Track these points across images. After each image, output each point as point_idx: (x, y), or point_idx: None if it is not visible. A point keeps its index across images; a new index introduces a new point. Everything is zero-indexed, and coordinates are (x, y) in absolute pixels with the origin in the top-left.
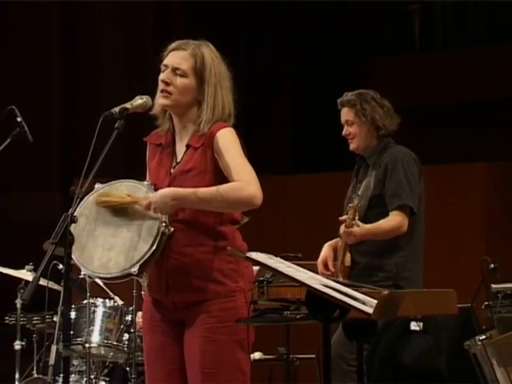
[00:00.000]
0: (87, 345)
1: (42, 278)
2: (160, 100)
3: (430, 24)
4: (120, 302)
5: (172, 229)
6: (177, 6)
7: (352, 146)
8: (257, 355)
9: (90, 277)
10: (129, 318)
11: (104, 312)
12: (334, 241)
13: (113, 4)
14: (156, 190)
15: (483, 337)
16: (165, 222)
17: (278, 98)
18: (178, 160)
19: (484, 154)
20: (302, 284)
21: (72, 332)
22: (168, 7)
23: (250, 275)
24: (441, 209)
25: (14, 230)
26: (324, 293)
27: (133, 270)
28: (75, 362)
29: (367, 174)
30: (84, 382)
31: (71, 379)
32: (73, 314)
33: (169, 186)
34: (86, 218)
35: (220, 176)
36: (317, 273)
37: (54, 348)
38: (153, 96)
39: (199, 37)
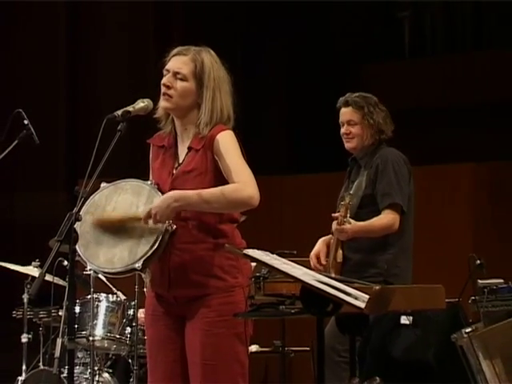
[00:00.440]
0: (91, 338)
1: (47, 274)
2: (161, 103)
3: (419, 31)
4: (122, 297)
5: (174, 226)
6: (177, 12)
7: (349, 145)
8: (253, 348)
9: (95, 272)
10: (131, 312)
11: (107, 306)
12: (327, 237)
13: (116, 11)
14: (159, 189)
15: (469, 329)
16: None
17: (274, 103)
18: (180, 161)
19: (472, 155)
20: (297, 280)
21: (76, 326)
22: (169, 14)
23: (248, 271)
24: (430, 207)
25: (21, 228)
26: (318, 288)
27: (137, 265)
28: (80, 355)
29: (359, 175)
30: (88, 373)
31: (76, 371)
32: (77, 309)
33: (171, 185)
34: (93, 215)
35: (220, 177)
36: (310, 268)
37: (59, 341)
38: (155, 100)
39: (200, 42)
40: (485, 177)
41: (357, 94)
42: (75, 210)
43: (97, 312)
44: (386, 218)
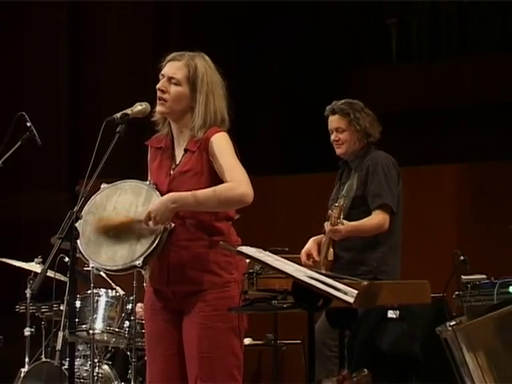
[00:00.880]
0: (91, 331)
1: (49, 270)
2: (157, 107)
3: (406, 37)
4: (121, 292)
5: (173, 225)
6: (175, 15)
7: (340, 151)
8: (247, 341)
9: (97, 269)
10: (129, 306)
11: (107, 301)
12: (318, 236)
13: (115, 13)
14: (157, 189)
15: (453, 323)
16: None
17: (268, 105)
18: (177, 162)
19: (455, 156)
20: (289, 276)
21: (77, 320)
22: (166, 22)
23: (243, 267)
24: (416, 207)
25: (24, 226)
26: (309, 284)
27: (137, 262)
28: (80, 347)
29: (350, 177)
30: (88, 365)
31: (76, 363)
32: (78, 303)
33: (168, 186)
34: (94, 215)
35: (215, 177)
36: (302, 265)
37: (60, 334)
38: (153, 102)
39: (196, 44)
40: (468, 177)
41: (343, 101)
42: (76, 208)
43: (97, 306)
44: (377, 218)
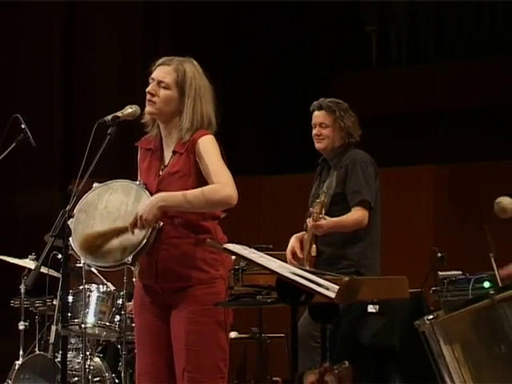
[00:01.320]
0: (83, 325)
1: (43, 267)
2: (146, 108)
3: (385, 43)
4: (112, 288)
5: (161, 223)
6: (163, 24)
7: (320, 146)
8: (233, 334)
9: (89, 265)
10: (120, 301)
11: (98, 296)
12: (300, 233)
13: (107, 24)
14: (146, 188)
15: (431, 317)
16: None
17: (253, 109)
18: (166, 163)
19: (433, 157)
20: (273, 272)
21: (70, 314)
22: (156, 28)
23: (229, 264)
24: (396, 206)
25: (19, 225)
26: (292, 280)
27: (127, 259)
28: (72, 341)
29: (329, 175)
30: (80, 358)
31: (69, 355)
32: (70, 298)
33: (157, 186)
34: (86, 213)
35: (202, 178)
36: (286, 262)
37: (53, 328)
38: (143, 105)
39: (184, 51)
40: (445, 178)
41: (330, 100)
42: (68, 207)
43: (88, 301)
44: (357, 214)
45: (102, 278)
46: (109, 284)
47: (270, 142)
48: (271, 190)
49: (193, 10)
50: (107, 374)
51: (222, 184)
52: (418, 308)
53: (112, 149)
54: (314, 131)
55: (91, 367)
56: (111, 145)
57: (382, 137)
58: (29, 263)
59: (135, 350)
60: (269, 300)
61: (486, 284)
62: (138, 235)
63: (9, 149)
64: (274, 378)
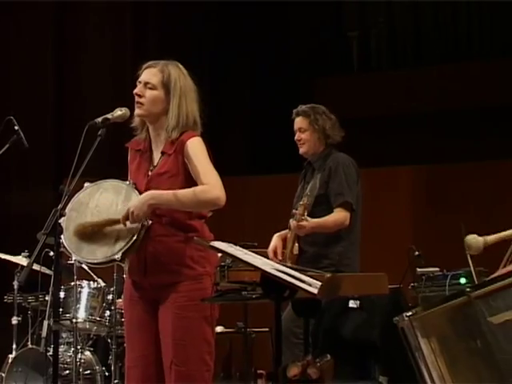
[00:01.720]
0: (74, 320)
1: (35, 264)
2: (135, 111)
3: (366, 49)
4: (102, 284)
5: (150, 221)
6: (152, 29)
7: (302, 150)
8: (219, 329)
9: (79, 262)
10: (110, 297)
11: (89, 292)
12: (282, 232)
13: (97, 29)
14: (136, 188)
15: (409, 313)
16: None
17: (237, 110)
18: (155, 164)
19: (411, 159)
20: (258, 269)
21: (61, 309)
22: (144, 29)
23: (216, 261)
24: (375, 205)
25: (13, 223)
26: (276, 276)
27: (116, 256)
28: (64, 335)
29: (313, 177)
30: (71, 351)
31: (60, 349)
32: (62, 294)
33: (146, 186)
34: (77, 211)
35: (190, 178)
36: (270, 259)
37: (45, 323)
38: (132, 108)
39: (172, 54)
40: (423, 178)
41: (307, 105)
42: (60, 206)
43: (79, 297)
44: (339, 216)
45: (92, 274)
46: (99, 280)
47: (254, 144)
48: (255, 190)
49: (180, 12)
50: (97, 367)
51: (210, 185)
52: (397, 303)
53: (102, 150)
54: (295, 137)
55: (82, 360)
56: (101, 146)
57: (362, 139)
58: (22, 260)
59: (124, 344)
60: (254, 296)
61: (462, 280)
62: (127, 233)
63: (2, 150)
64: (259, 371)
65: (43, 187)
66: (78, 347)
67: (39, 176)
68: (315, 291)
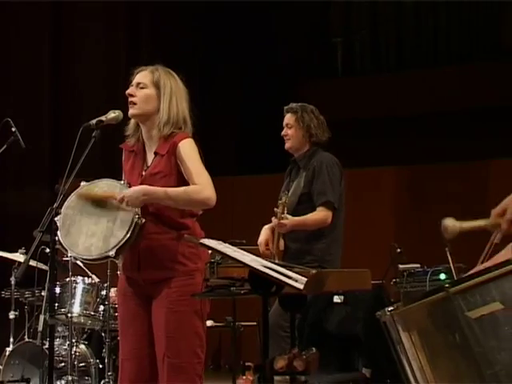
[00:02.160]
0: (69, 314)
1: (32, 260)
2: (129, 111)
3: (350, 54)
4: (96, 280)
5: (143, 220)
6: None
7: (287, 145)
8: (208, 323)
9: (75, 258)
10: (104, 292)
11: (83, 288)
12: (271, 224)
13: (93, 36)
14: (130, 187)
15: (391, 308)
16: (138, 215)
17: (227, 113)
18: (148, 164)
19: (393, 160)
20: (246, 265)
21: (57, 304)
22: (138, 33)
23: (207, 258)
24: (359, 204)
25: (10, 221)
26: (263, 272)
27: (110, 253)
28: (59, 329)
29: (298, 175)
30: (67, 344)
31: (56, 343)
32: (57, 290)
33: (140, 185)
34: (73, 209)
35: (182, 178)
36: (258, 256)
37: (42, 317)
38: (125, 111)
39: (164, 56)
40: (404, 178)
41: (297, 103)
42: (55, 205)
43: (74, 292)
44: (320, 215)
45: (87, 270)
46: (93, 276)
47: (243, 145)
48: (244, 190)
49: (172, 16)
50: (92, 360)
51: (202, 186)
52: (379, 298)
53: (96, 151)
54: (282, 132)
55: (77, 353)
56: (95, 147)
57: (346, 140)
58: (19, 257)
59: (118, 338)
60: (242, 291)
61: (442, 276)
62: (121, 231)
63: (0, 150)
64: (247, 363)
65: (39, 187)
66: (73, 341)
67: (35, 176)
68: (301, 287)
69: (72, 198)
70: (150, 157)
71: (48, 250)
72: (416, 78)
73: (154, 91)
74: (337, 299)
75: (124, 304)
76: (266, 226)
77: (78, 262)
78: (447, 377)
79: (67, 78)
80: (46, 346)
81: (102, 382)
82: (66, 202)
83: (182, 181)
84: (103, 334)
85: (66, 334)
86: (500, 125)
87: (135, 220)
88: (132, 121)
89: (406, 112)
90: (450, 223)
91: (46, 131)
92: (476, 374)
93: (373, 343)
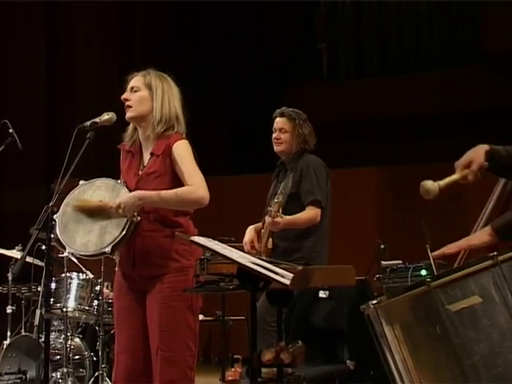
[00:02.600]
0: (64, 309)
1: (28, 256)
2: (126, 115)
3: (335, 59)
4: (91, 276)
5: (139, 218)
6: (138, 42)
7: (278, 149)
8: (199, 317)
9: (73, 254)
10: (98, 288)
11: (78, 283)
12: (256, 225)
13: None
14: (126, 186)
15: (375, 302)
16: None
17: (216, 115)
18: (145, 164)
19: (376, 160)
20: (235, 261)
21: (52, 299)
22: (131, 44)
23: (199, 255)
24: (344, 203)
25: (7, 219)
26: (251, 268)
27: (106, 249)
28: (55, 323)
29: (286, 176)
30: (62, 338)
31: (52, 336)
32: (53, 285)
33: (136, 184)
34: (72, 206)
35: (177, 179)
36: (245, 253)
37: (38, 312)
38: (119, 113)
39: (156, 58)
40: (387, 178)
41: (292, 109)
42: (51, 203)
43: (69, 288)
44: (310, 213)
45: (81, 266)
46: (88, 272)
47: (232, 145)
48: (233, 189)
49: (164, 16)
50: (86, 353)
51: (195, 186)
52: (363, 293)
53: (90, 151)
54: (274, 135)
55: (72, 347)
56: (89, 148)
57: (331, 142)
58: (15, 253)
59: (112, 332)
60: (231, 287)
61: (423, 272)
62: (117, 228)
63: None
64: (236, 356)
65: (35, 186)
66: (68, 334)
67: (31, 175)
68: (288, 282)
69: (71, 195)
70: (147, 157)
71: (44, 247)
72: (398, 82)
73: (147, 92)
74: (322, 294)
75: (120, 299)
76: (251, 227)
77: (73, 259)
78: (428, 368)
79: (63, 78)
80: (42, 340)
81: (96, 373)
82: (65, 200)
83: (177, 181)
84: (97, 328)
85: (62, 327)
86: (477, 127)
87: (131, 218)
88: (131, 125)
89: (388, 114)
90: (430, 185)
91: (42, 132)
92: (456, 365)
93: (357, 336)
